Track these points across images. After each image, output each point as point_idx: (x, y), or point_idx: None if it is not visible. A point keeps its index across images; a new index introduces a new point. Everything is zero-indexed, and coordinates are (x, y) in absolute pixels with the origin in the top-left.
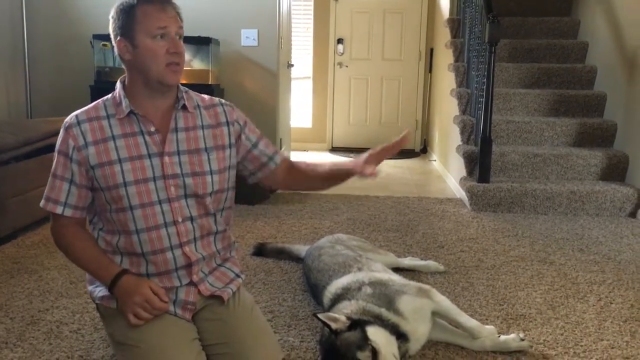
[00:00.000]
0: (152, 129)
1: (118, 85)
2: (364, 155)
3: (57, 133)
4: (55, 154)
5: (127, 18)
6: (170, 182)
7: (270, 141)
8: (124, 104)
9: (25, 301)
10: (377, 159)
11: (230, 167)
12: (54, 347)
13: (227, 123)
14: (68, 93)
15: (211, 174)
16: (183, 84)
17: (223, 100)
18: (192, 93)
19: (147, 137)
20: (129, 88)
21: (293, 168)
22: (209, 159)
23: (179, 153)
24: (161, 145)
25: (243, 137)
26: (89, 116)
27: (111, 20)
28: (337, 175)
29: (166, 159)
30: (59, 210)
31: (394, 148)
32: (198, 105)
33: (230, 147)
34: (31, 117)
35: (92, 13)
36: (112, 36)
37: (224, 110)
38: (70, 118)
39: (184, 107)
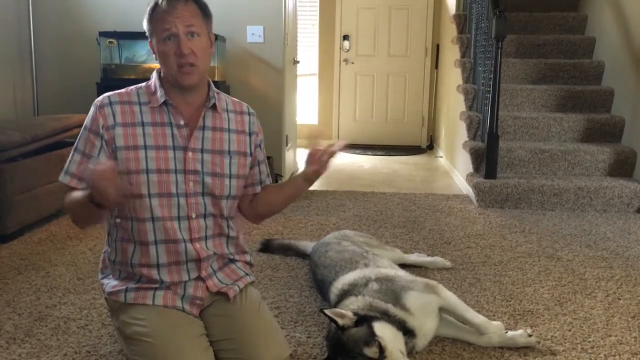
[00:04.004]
0: (182, 122)
1: (154, 75)
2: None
3: (64, 130)
4: (82, 130)
5: (148, 23)
6: (190, 177)
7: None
8: (159, 93)
9: (33, 297)
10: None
11: (246, 175)
12: (61, 343)
13: (250, 133)
14: (75, 90)
15: (230, 177)
16: None
17: (251, 109)
18: (224, 95)
19: (175, 130)
20: (164, 80)
21: (263, 192)
22: (230, 162)
23: (202, 151)
24: (187, 140)
25: (257, 150)
26: (122, 99)
27: None
28: (296, 185)
29: (189, 154)
30: (82, 186)
31: (326, 152)
32: (227, 108)
33: (250, 155)
34: (38, 115)
35: (98, 10)
36: None
37: (250, 120)
38: (102, 97)
39: (214, 107)
